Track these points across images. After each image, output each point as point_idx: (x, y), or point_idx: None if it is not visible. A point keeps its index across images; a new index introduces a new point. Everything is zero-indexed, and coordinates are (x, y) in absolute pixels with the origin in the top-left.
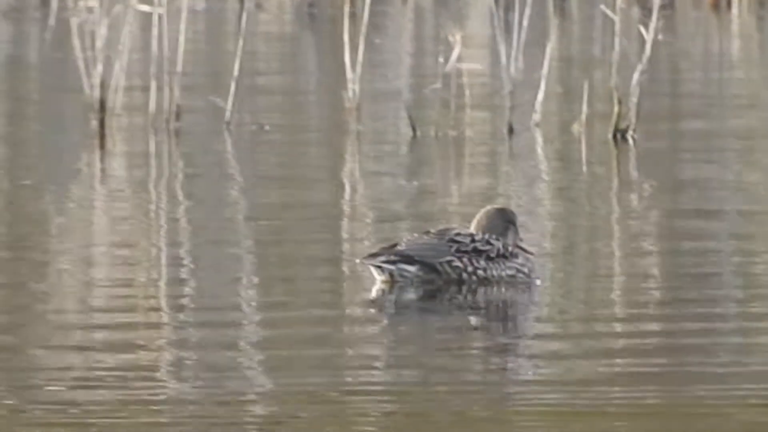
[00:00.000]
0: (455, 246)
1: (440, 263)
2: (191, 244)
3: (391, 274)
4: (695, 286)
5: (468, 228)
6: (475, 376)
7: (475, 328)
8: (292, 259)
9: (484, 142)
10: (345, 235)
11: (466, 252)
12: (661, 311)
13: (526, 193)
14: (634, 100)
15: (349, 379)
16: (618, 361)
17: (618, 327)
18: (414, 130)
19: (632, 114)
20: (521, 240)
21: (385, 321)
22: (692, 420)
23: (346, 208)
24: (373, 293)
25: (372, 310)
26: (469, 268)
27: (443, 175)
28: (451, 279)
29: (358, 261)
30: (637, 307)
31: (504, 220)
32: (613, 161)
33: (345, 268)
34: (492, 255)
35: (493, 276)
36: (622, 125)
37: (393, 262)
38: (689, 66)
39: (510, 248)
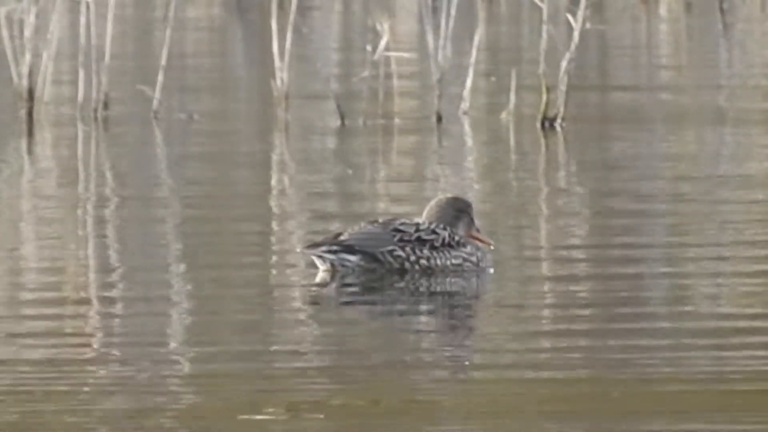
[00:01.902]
0: (399, 235)
1: (382, 252)
2: (117, 234)
3: (332, 264)
4: (624, 265)
5: (418, 218)
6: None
7: (402, 314)
8: (221, 246)
9: (412, 130)
10: (274, 224)
11: (409, 241)
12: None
13: (454, 180)
14: (562, 88)
15: (277, 365)
16: (545, 343)
17: (547, 309)
18: (342, 118)
19: (560, 102)
20: (477, 230)
21: (309, 309)
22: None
23: (275, 197)
24: (314, 281)
25: (296, 299)
26: (412, 258)
27: (371, 164)
28: (393, 268)
29: (299, 250)
30: (565, 283)
31: (455, 209)
32: (541, 148)
33: (273, 256)
34: (437, 244)
35: (437, 265)
36: (551, 113)
37: (334, 252)
38: (618, 53)
39: (457, 237)
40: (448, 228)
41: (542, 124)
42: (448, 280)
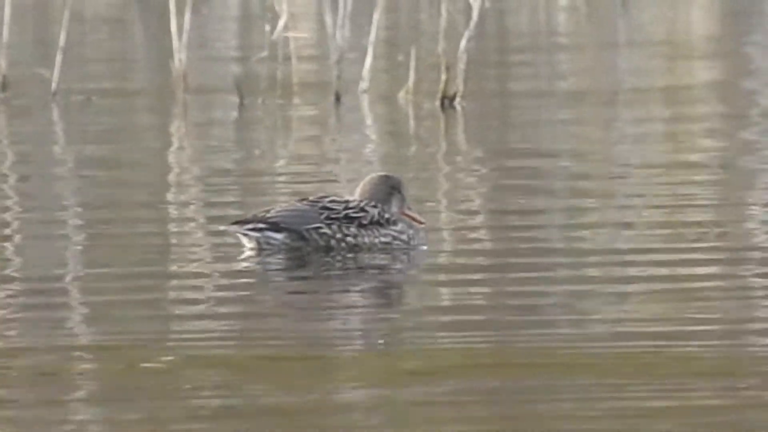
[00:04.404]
0: (326, 213)
1: (307, 230)
2: (17, 216)
3: (258, 242)
4: (522, 240)
5: (349, 196)
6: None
7: (316, 292)
8: (124, 225)
9: (311, 110)
10: (174, 203)
11: (336, 219)
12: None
13: (352, 159)
14: (461, 66)
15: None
16: (446, 316)
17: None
18: (241, 98)
19: (459, 81)
20: (409, 208)
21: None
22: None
23: (174, 177)
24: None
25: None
26: (338, 235)
27: (269, 143)
28: (319, 246)
29: (223, 228)
30: (465, 257)
31: (388, 186)
32: (441, 127)
33: (171, 237)
34: (365, 222)
35: (364, 243)
36: (450, 92)
37: (259, 230)
38: (517, 32)
39: (388, 215)
40: (379, 206)
41: (441, 103)
42: (373, 257)
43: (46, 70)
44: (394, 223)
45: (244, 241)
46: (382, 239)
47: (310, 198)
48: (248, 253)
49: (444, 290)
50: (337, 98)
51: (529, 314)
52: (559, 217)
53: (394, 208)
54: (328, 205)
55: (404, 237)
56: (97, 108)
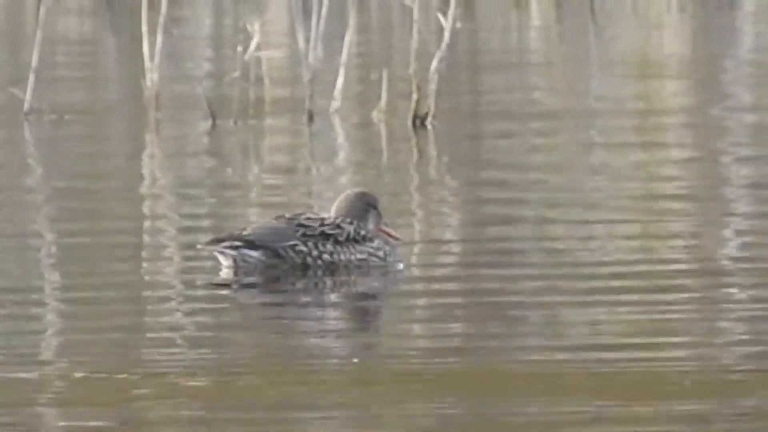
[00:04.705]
0: (302, 230)
1: (283, 248)
2: None
3: (234, 260)
4: (496, 254)
5: (325, 213)
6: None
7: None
8: (97, 246)
9: (283, 130)
10: (148, 223)
11: (312, 236)
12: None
13: (325, 179)
14: (432, 87)
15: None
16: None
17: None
18: (213, 119)
19: (431, 101)
20: (386, 224)
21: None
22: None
23: (147, 196)
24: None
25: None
26: (314, 253)
27: (242, 164)
28: (296, 264)
29: (200, 246)
30: (440, 273)
31: (364, 203)
32: (412, 147)
33: (144, 261)
34: (341, 239)
35: (340, 260)
36: (421, 112)
37: (235, 248)
38: (488, 53)
39: (363, 232)
40: (355, 222)
41: (413, 123)
42: (350, 275)
43: (19, 90)
44: (370, 239)
45: (221, 258)
46: (359, 256)
47: (286, 215)
48: (225, 271)
49: (419, 307)
50: (310, 118)
51: (504, 334)
52: (532, 231)
53: (371, 225)
54: (304, 222)
55: (380, 254)
56: (68, 127)
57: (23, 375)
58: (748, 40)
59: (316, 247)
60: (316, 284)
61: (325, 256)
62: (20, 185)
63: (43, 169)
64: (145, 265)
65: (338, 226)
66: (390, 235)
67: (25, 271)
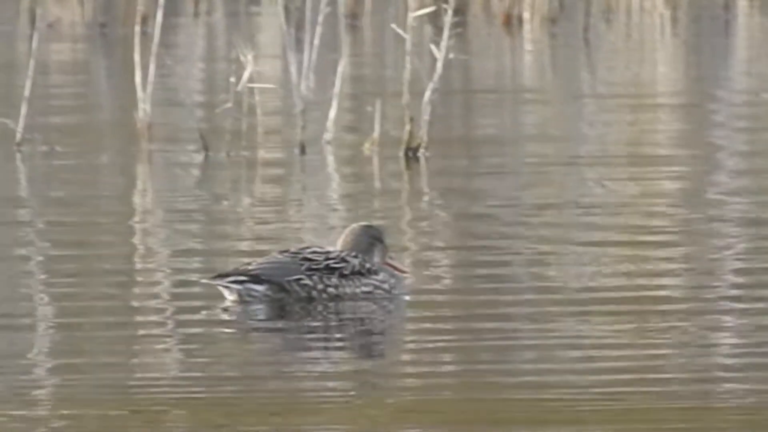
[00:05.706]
0: (307, 264)
1: (288, 282)
2: None
3: (239, 294)
4: (487, 280)
5: (330, 246)
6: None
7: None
8: (88, 277)
9: (276, 161)
10: (138, 257)
11: (317, 270)
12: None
13: (317, 211)
14: (425, 118)
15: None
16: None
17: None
18: (206, 150)
19: (423, 132)
20: (392, 257)
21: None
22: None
23: (139, 229)
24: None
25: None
26: (319, 286)
27: (234, 195)
28: (301, 297)
29: (204, 281)
30: (443, 305)
31: (369, 237)
32: (404, 178)
33: (136, 287)
34: (346, 272)
35: (345, 293)
36: (414, 143)
37: (240, 282)
38: (481, 84)
39: (369, 265)
40: (360, 255)
41: (406, 154)
42: (355, 308)
43: (11, 120)
44: (375, 272)
45: (226, 293)
46: (364, 288)
47: (291, 249)
48: (229, 305)
49: (422, 339)
50: (302, 149)
51: (507, 366)
52: (526, 263)
53: (377, 258)
54: (309, 255)
55: (386, 286)
56: (60, 159)
57: (13, 412)
58: (742, 65)
59: (321, 280)
60: (315, 316)
61: (331, 290)
62: (12, 217)
63: (34, 201)
64: (135, 298)
65: (343, 260)
66: (397, 269)
67: (16, 305)
